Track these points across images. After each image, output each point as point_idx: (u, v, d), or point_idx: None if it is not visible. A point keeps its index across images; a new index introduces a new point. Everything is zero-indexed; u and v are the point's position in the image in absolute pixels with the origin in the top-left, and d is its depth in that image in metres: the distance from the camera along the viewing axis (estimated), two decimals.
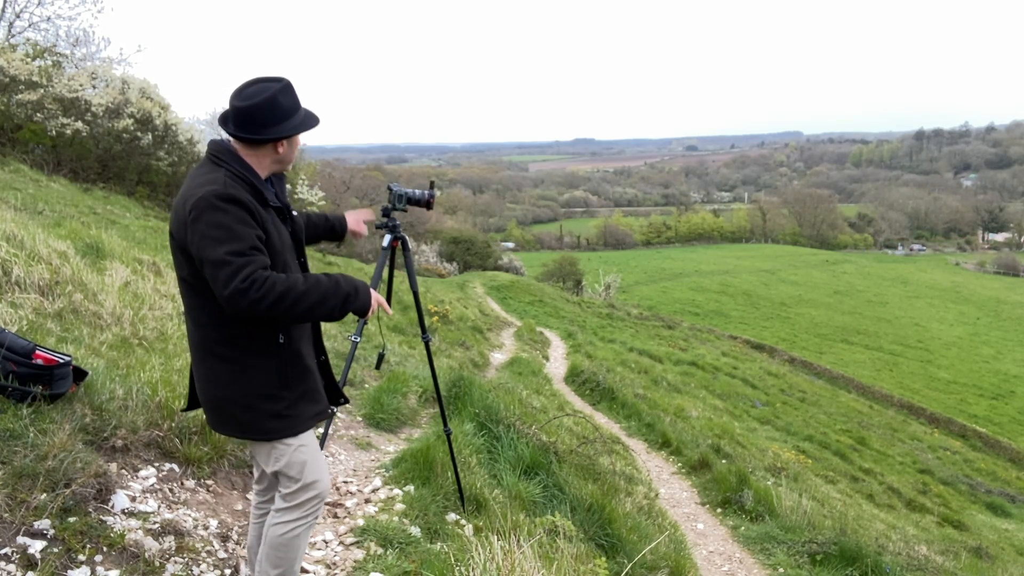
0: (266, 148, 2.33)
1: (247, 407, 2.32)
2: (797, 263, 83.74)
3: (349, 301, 2.25)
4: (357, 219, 3.06)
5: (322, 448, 3.58)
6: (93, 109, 15.13)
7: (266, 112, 2.26)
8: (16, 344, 3.14)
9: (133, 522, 2.83)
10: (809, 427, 18.68)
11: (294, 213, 2.49)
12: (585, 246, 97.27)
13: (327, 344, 2.74)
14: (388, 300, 3.96)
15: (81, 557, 2.53)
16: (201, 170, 2.27)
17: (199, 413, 3.64)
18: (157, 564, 2.70)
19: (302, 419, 2.39)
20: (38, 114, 14.65)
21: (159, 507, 3.04)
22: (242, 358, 2.29)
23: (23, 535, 2.48)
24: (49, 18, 17.28)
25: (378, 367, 3.60)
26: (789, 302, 62.37)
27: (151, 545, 2.73)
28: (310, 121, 2.39)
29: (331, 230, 2.97)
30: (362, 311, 2.31)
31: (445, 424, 3.86)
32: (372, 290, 2.36)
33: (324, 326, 2.58)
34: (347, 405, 5.94)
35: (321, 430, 3.69)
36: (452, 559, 2.94)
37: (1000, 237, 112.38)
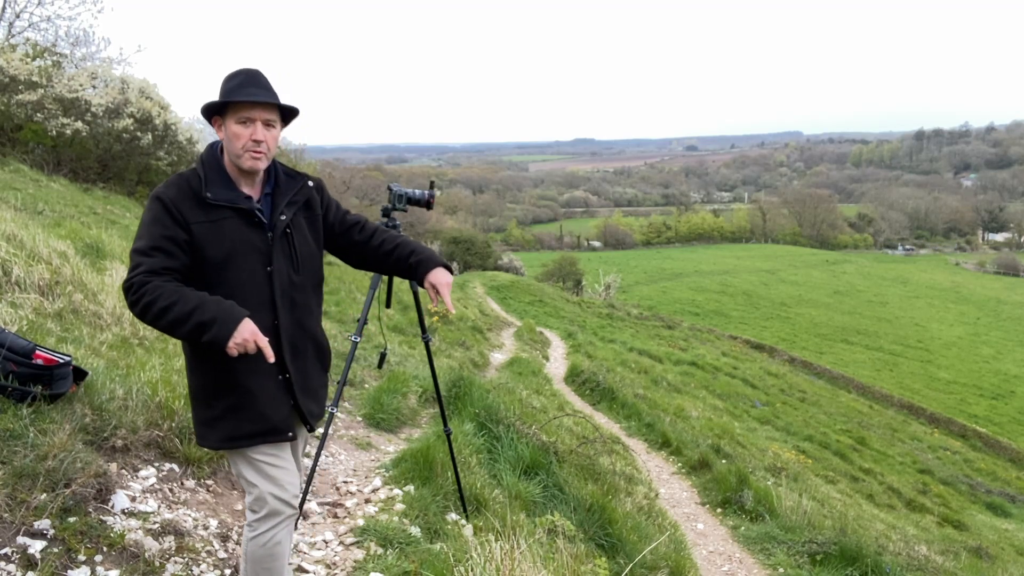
0: (221, 136, 2.29)
1: (192, 406, 2.38)
2: (797, 263, 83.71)
3: (203, 330, 2.07)
4: (441, 282, 2.51)
5: (322, 448, 3.58)
6: (93, 109, 15.13)
7: None
8: (16, 344, 3.14)
9: (133, 522, 2.83)
10: (809, 427, 18.68)
11: (282, 217, 2.32)
12: (585, 246, 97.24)
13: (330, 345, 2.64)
14: (388, 300, 3.97)
15: (81, 557, 2.54)
16: None
17: None
18: (157, 564, 2.70)
19: (225, 435, 2.28)
20: (38, 114, 14.64)
21: (159, 507, 3.04)
22: (191, 358, 2.33)
23: (23, 535, 2.49)
24: (49, 18, 17.29)
25: (380, 366, 3.61)
26: (789, 302, 62.36)
27: (151, 545, 2.74)
28: (224, 95, 2.21)
29: (404, 272, 2.58)
30: (214, 344, 2.08)
31: (445, 424, 3.87)
32: (244, 325, 2.10)
33: (288, 338, 2.35)
34: (347, 405, 5.94)
35: (321, 430, 3.68)
36: (452, 559, 2.94)
37: (1000, 237, 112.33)
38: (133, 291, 2.10)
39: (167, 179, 2.28)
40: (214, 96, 2.27)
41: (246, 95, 2.21)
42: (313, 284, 2.45)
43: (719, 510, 7.03)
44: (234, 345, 2.08)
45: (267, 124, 2.25)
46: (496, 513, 3.92)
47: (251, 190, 2.32)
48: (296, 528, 3.36)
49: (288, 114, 2.36)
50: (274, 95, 2.27)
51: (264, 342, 2.13)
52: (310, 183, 2.46)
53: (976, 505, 17.32)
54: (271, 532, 2.31)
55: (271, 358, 2.16)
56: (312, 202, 2.45)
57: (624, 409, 11.07)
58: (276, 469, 2.32)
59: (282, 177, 2.40)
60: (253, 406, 2.28)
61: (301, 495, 2.65)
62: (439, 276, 2.49)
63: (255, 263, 2.26)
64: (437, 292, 2.51)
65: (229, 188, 2.26)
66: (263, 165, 2.29)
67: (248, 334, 2.09)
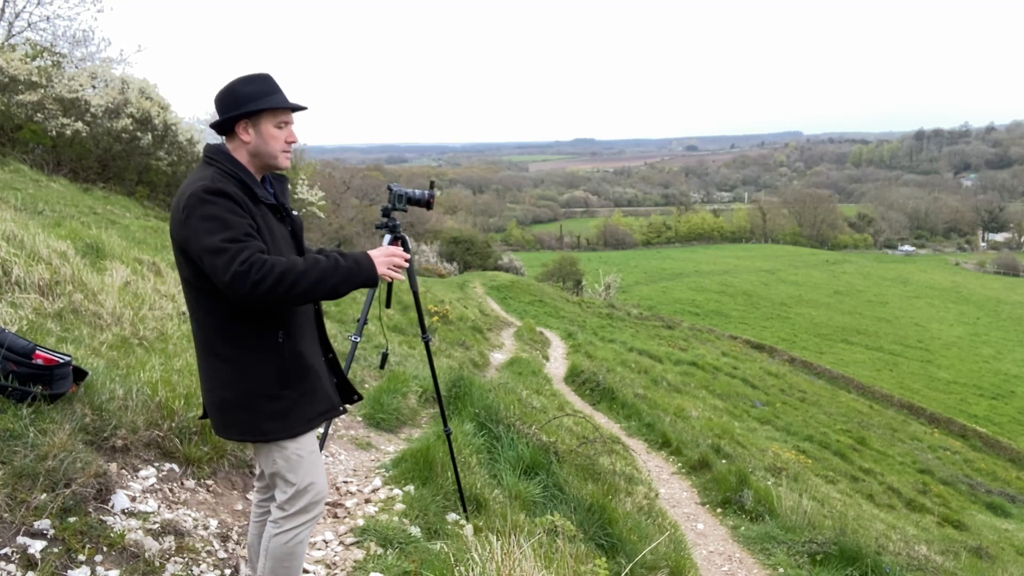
0: (236, 139, 2.33)
1: (248, 408, 2.31)
2: (797, 263, 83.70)
3: (353, 275, 2.24)
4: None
5: (322, 448, 3.58)
6: (93, 109, 15.13)
7: (226, 98, 2.31)
8: (16, 344, 3.14)
9: (133, 522, 2.83)
10: (809, 427, 18.68)
11: (295, 213, 2.49)
12: (585, 246, 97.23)
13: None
14: (388, 300, 3.96)
15: (81, 557, 2.54)
16: (196, 171, 2.33)
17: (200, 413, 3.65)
18: (157, 564, 2.70)
19: (302, 420, 2.36)
20: (38, 114, 14.65)
21: (159, 507, 3.04)
22: (243, 357, 2.29)
23: (23, 535, 2.49)
24: (49, 18, 17.29)
25: (382, 366, 3.61)
26: (789, 302, 62.35)
27: (151, 545, 2.74)
28: (265, 101, 2.30)
29: None
30: (370, 281, 2.28)
31: (445, 424, 3.87)
32: (375, 255, 2.32)
33: (321, 323, 2.57)
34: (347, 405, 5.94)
35: (321, 430, 3.68)
36: (452, 559, 2.94)
37: (1000, 237, 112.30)
38: (257, 268, 2.07)
39: (209, 176, 2.23)
40: (214, 98, 2.35)
41: (288, 101, 2.36)
42: None
43: (719, 510, 7.03)
44: (384, 273, 2.31)
45: (290, 125, 2.41)
46: (496, 513, 3.92)
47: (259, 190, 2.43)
48: None
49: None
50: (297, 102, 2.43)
51: (400, 251, 2.40)
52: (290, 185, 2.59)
53: (976, 505, 17.31)
54: (296, 531, 2.37)
55: (405, 263, 2.41)
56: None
57: (624, 409, 11.07)
58: (313, 465, 2.40)
59: (273, 178, 2.51)
60: (321, 387, 2.44)
61: None
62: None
63: (290, 254, 2.38)
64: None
65: (259, 186, 2.37)
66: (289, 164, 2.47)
67: (386, 256, 2.35)
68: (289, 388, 2.33)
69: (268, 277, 2.08)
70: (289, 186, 2.59)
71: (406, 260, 2.38)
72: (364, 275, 2.27)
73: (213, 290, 2.20)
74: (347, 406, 2.62)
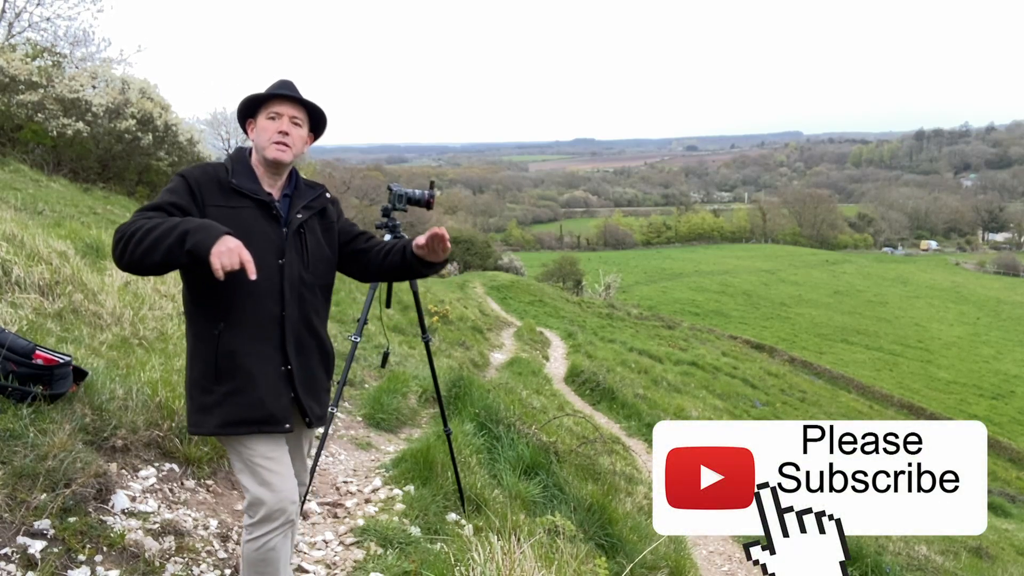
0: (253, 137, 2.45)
1: (188, 395, 2.35)
2: (797, 263, 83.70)
3: (186, 237, 2.00)
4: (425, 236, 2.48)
5: (322, 448, 3.58)
6: (94, 109, 15.15)
7: None
8: (16, 344, 3.14)
9: (133, 522, 2.83)
10: None
11: (298, 216, 2.39)
12: (585, 246, 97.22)
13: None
14: (388, 300, 3.97)
15: (81, 557, 2.54)
16: None
17: None
18: (157, 564, 2.70)
19: (221, 422, 2.25)
20: (39, 114, 14.67)
21: (159, 507, 3.04)
22: (192, 343, 2.35)
23: (23, 535, 2.49)
24: (49, 18, 17.29)
25: (383, 365, 3.62)
26: (789, 302, 62.36)
27: (151, 545, 2.74)
28: (255, 97, 2.41)
29: (399, 259, 2.51)
30: (198, 250, 1.98)
31: (445, 424, 3.87)
32: (230, 238, 2.02)
33: (293, 332, 2.36)
34: (347, 405, 5.94)
35: (320, 432, 3.68)
36: (452, 559, 2.94)
37: (1000, 237, 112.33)
38: (119, 232, 2.06)
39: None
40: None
41: (272, 90, 2.41)
42: (322, 286, 2.51)
43: None
44: (217, 253, 1.98)
45: (293, 121, 2.40)
46: (496, 513, 3.92)
47: (273, 190, 2.43)
48: (297, 529, 3.36)
49: (317, 123, 2.51)
50: (299, 95, 2.44)
51: (248, 257, 2.02)
52: (327, 195, 2.58)
53: None
54: (265, 538, 2.29)
55: (253, 275, 2.05)
56: (328, 212, 2.55)
57: (624, 409, 11.07)
58: (271, 474, 2.29)
59: (302, 184, 2.52)
60: (253, 391, 2.27)
61: (300, 500, 2.61)
62: (421, 237, 2.45)
63: (268, 253, 2.30)
64: (435, 241, 2.41)
65: (253, 181, 2.39)
66: (287, 158, 2.39)
67: (233, 244, 2.01)
68: (218, 384, 2.26)
69: (122, 237, 2.05)
70: (325, 195, 2.52)
71: (246, 263, 2.03)
72: (196, 240, 1.99)
73: (184, 273, 2.28)
74: (289, 425, 2.37)
